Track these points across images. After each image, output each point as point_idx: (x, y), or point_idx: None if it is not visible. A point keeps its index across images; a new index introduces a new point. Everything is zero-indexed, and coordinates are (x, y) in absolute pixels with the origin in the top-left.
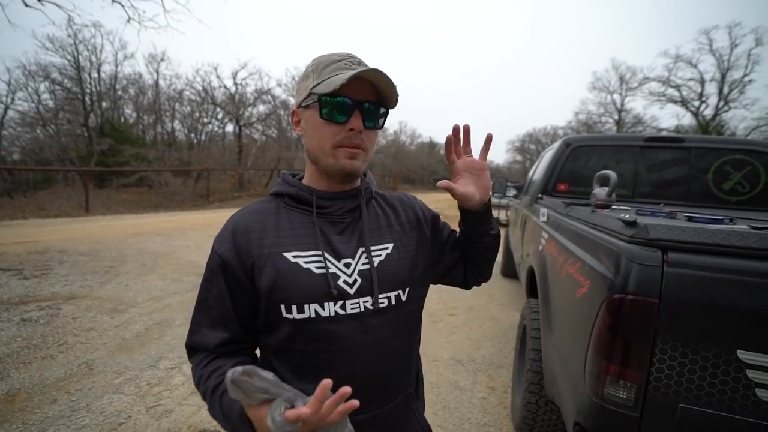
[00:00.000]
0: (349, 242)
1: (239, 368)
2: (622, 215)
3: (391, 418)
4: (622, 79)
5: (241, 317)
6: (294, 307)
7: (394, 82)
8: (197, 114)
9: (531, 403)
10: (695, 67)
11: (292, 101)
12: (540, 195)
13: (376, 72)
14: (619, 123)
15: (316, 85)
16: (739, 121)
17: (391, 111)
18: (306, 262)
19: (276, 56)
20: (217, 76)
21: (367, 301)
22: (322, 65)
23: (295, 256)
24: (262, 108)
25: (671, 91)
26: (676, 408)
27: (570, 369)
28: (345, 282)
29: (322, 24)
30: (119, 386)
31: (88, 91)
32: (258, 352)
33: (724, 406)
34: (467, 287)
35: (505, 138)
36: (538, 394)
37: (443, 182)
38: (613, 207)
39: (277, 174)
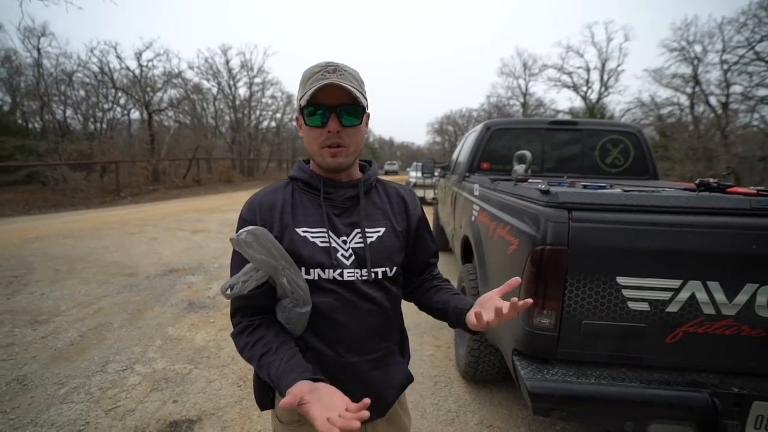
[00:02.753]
0: (346, 223)
1: (245, 231)
2: (539, 186)
3: (374, 365)
4: (525, 65)
5: None
6: (303, 269)
7: (352, 86)
8: (94, 99)
9: (474, 350)
10: (582, 56)
11: (206, 85)
12: (467, 173)
13: (332, 83)
14: (524, 106)
15: (301, 97)
16: (616, 104)
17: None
18: (312, 237)
19: (185, 37)
20: (118, 57)
21: (359, 272)
22: (306, 77)
23: (304, 231)
24: (173, 93)
25: (565, 78)
26: (581, 324)
27: None
28: (342, 255)
29: (232, 3)
30: (66, 396)
31: None
32: None
33: (610, 316)
34: (403, 296)
35: (425, 120)
36: (479, 341)
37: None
38: (530, 180)
39: (196, 164)
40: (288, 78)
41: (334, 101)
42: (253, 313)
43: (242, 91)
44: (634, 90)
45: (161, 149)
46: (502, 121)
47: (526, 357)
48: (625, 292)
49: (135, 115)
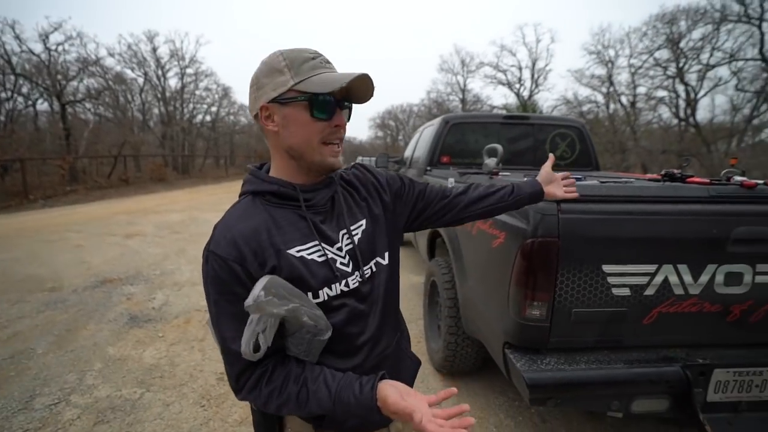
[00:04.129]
0: (332, 227)
1: (261, 291)
2: (524, 179)
3: (390, 358)
4: (463, 62)
5: None
6: (310, 295)
7: (373, 83)
8: None
9: (451, 343)
10: (514, 55)
11: (130, 74)
12: (428, 167)
13: (367, 78)
14: (463, 101)
15: (298, 83)
16: (545, 101)
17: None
18: (309, 254)
19: (103, 20)
20: (17, 38)
21: (358, 274)
22: (298, 62)
23: (298, 251)
24: (91, 82)
25: (500, 75)
26: (571, 313)
27: (493, 305)
28: (341, 263)
29: None
30: None
31: None
32: None
33: (597, 303)
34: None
35: (367, 115)
36: (456, 334)
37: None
38: (500, 174)
39: (122, 161)
40: (224, 69)
41: (338, 95)
42: (260, 361)
43: (173, 82)
44: (560, 88)
45: (79, 145)
46: (460, 115)
47: (518, 349)
48: (610, 279)
49: (43, 106)
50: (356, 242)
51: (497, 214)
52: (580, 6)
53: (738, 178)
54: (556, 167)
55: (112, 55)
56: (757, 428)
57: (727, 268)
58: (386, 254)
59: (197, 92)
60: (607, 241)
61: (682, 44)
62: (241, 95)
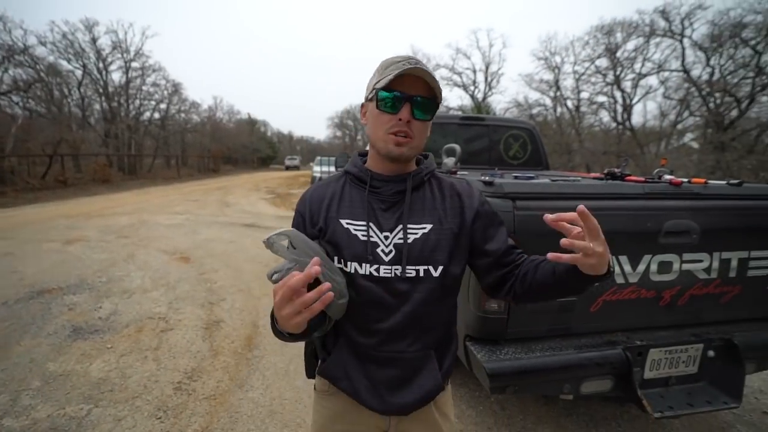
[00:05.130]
0: (392, 218)
1: (275, 234)
2: (482, 177)
3: (402, 364)
4: None
5: None
6: (342, 261)
7: (436, 79)
8: None
9: None
10: (469, 59)
11: (65, 65)
12: None
13: (418, 70)
14: None
15: (377, 82)
16: (498, 103)
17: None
18: (355, 230)
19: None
20: None
21: (397, 269)
22: (385, 65)
23: (347, 223)
24: (18, 73)
25: (456, 77)
26: (526, 305)
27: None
28: (382, 251)
29: None
30: None
31: None
32: None
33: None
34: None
35: (325, 114)
36: None
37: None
38: (458, 173)
39: (59, 161)
40: (174, 64)
41: (411, 91)
42: None
43: (116, 77)
44: (512, 91)
45: (5, 143)
46: None
47: (478, 341)
48: None
49: None
50: (408, 240)
51: (551, 294)
52: (530, 14)
53: (667, 177)
54: (508, 166)
55: (43, 43)
56: (683, 398)
57: (659, 258)
58: (440, 268)
59: (144, 88)
60: (558, 235)
61: (618, 54)
62: (193, 92)
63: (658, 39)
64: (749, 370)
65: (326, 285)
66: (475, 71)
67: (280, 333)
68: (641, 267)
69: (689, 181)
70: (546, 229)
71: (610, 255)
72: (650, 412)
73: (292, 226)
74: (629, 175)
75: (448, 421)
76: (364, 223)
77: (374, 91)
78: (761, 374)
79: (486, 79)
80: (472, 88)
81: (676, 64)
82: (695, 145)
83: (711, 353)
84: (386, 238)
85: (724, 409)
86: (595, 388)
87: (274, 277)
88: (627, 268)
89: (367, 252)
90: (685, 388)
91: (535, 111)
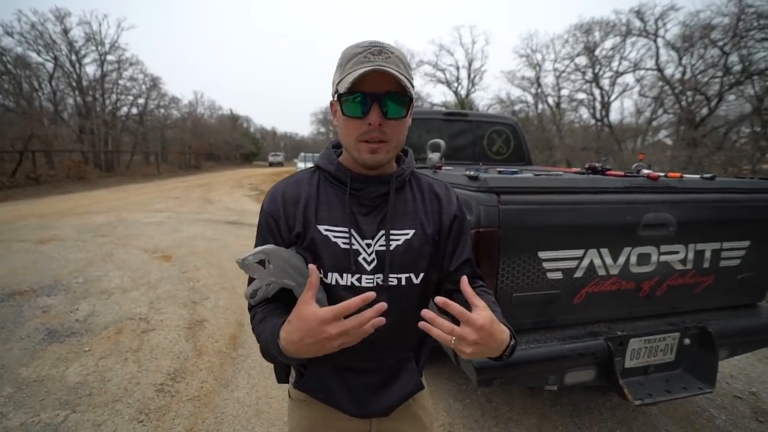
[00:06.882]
0: (373, 224)
1: (251, 254)
2: (467, 172)
3: (382, 370)
4: None
5: None
6: (320, 271)
7: (400, 71)
8: None
9: None
10: (452, 55)
11: (35, 57)
12: None
13: (376, 69)
14: None
15: (339, 81)
16: (481, 100)
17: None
18: (335, 237)
19: None
20: None
21: (379, 278)
22: (346, 59)
23: (326, 230)
24: None
25: (439, 74)
26: (512, 297)
27: None
28: (364, 259)
29: None
30: None
31: None
32: None
33: (534, 287)
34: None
35: (309, 110)
36: None
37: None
38: (443, 168)
39: (30, 157)
40: (153, 58)
41: (378, 89)
42: (269, 302)
43: (90, 70)
44: (495, 88)
45: None
46: None
47: None
48: (545, 265)
49: None
50: (390, 247)
51: None
52: (512, 11)
53: (645, 171)
54: (491, 162)
55: (10, 34)
56: (662, 385)
57: (639, 250)
58: (421, 275)
59: (121, 82)
60: (541, 229)
61: (596, 52)
62: (172, 86)
63: (634, 38)
64: (722, 356)
65: (382, 304)
66: (458, 68)
67: (285, 358)
68: (621, 259)
69: (666, 176)
70: (529, 222)
71: (507, 338)
72: (631, 399)
73: (262, 229)
74: (609, 169)
75: (427, 413)
76: (344, 229)
77: (338, 92)
78: (732, 360)
79: (469, 75)
80: (455, 84)
81: (650, 63)
82: (669, 141)
83: (687, 341)
84: (368, 246)
85: (699, 395)
86: (578, 378)
87: (258, 296)
88: (608, 260)
89: (350, 262)
90: (663, 375)
91: (517, 107)
